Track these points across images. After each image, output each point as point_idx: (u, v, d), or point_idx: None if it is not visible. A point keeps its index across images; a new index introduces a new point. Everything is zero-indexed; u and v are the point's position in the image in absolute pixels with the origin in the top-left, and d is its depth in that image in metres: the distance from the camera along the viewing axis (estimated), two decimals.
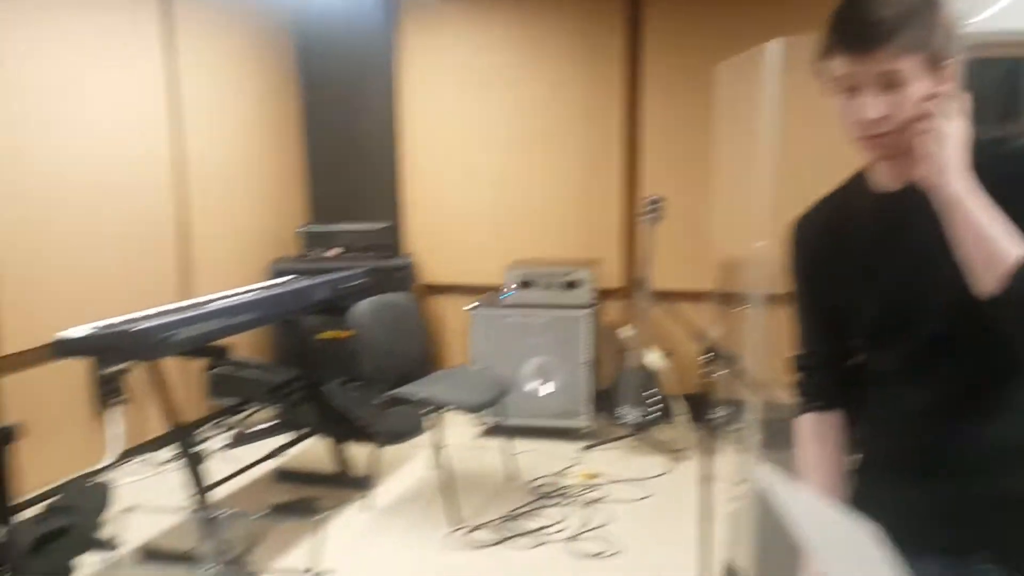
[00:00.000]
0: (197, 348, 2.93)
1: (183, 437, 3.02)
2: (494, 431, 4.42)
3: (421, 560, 3.16)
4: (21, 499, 3.56)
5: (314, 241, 5.04)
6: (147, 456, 4.19)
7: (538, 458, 4.12)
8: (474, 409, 3.59)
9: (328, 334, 4.44)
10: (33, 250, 3.50)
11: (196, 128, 4.39)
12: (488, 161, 4.91)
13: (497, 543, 3.26)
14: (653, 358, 4.17)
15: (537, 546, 3.24)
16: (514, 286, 4.37)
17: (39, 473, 3.61)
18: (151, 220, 4.12)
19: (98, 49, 3.80)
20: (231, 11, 4.67)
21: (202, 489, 3.00)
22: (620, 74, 4.65)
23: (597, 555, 3.16)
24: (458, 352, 4.45)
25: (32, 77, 3.47)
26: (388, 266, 4.76)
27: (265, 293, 3.33)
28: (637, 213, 4.65)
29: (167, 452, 4.28)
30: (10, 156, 3.39)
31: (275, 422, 4.57)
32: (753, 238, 4.38)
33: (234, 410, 4.65)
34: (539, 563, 3.12)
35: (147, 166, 4.09)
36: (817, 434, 1.40)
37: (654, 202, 4.16)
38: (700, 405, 4.50)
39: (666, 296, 4.49)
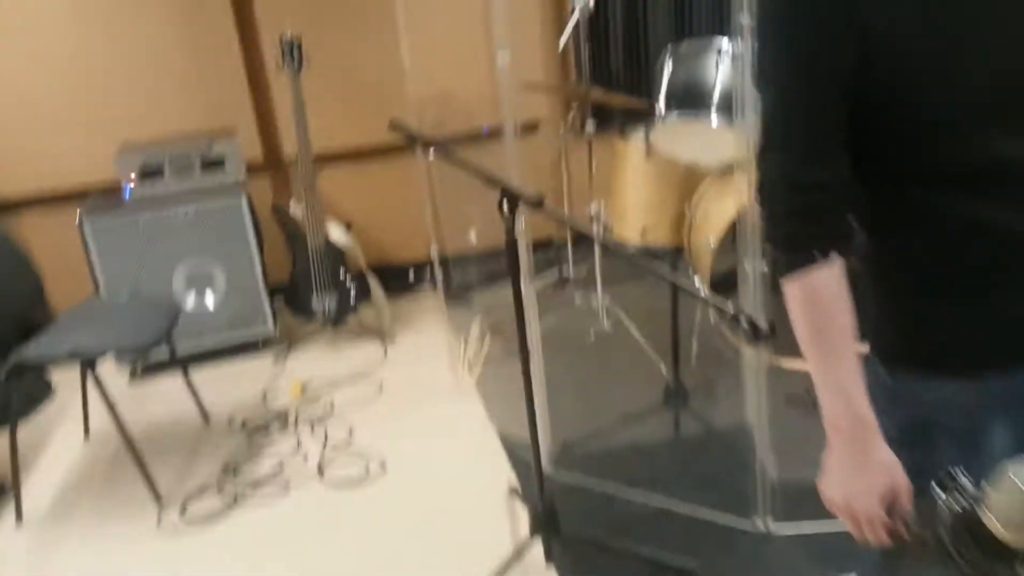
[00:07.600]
0: None
1: None
2: (152, 370, 3.40)
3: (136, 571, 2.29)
4: None
5: None
6: None
7: (225, 386, 3.28)
8: (140, 350, 2.62)
9: None
10: None
11: None
12: (54, 41, 3.48)
13: (226, 509, 2.50)
14: (338, 234, 3.50)
15: (279, 495, 2.56)
16: (133, 177, 3.27)
17: None
18: None
19: None
20: None
21: None
22: None
23: (362, 480, 2.60)
24: (74, 284, 3.24)
25: None
26: None
27: None
28: (269, 62, 3.75)
29: None
30: None
31: None
32: (469, 68, 3.69)
33: None
34: (291, 516, 2.46)
35: None
36: (841, 291, 0.97)
37: (291, 44, 3.31)
38: (395, 275, 4.02)
39: (330, 159, 3.79)
